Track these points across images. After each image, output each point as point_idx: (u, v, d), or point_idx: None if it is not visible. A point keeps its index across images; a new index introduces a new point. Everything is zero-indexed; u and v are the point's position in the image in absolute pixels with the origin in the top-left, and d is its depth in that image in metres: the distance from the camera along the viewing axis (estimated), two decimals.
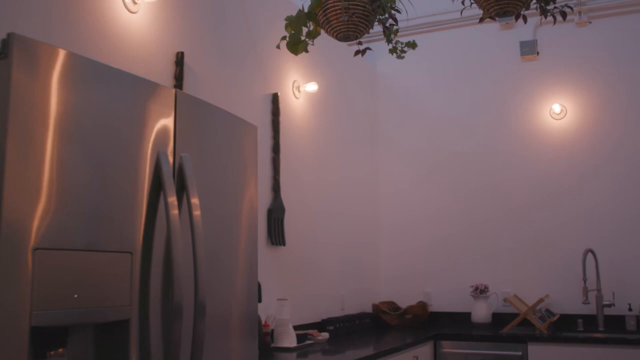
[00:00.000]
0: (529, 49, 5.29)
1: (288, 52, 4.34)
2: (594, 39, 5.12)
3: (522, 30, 5.36)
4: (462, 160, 5.45)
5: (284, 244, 4.04)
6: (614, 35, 5.05)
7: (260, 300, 3.45)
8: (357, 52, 3.46)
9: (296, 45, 3.37)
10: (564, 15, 2.86)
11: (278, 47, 3.41)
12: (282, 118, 4.17)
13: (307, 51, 3.41)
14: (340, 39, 3.30)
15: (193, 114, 2.09)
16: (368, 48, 3.48)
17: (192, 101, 2.09)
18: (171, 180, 1.81)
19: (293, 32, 3.34)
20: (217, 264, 2.14)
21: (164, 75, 3.15)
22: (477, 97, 5.48)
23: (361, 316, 4.93)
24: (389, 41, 3.31)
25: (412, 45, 3.32)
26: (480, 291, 4.98)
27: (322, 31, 3.32)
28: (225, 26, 3.70)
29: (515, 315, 4.88)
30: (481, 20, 3.13)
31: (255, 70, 3.97)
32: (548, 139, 5.17)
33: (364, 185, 5.42)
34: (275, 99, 4.11)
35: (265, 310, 3.71)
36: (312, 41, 3.41)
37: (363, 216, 5.35)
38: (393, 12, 3.21)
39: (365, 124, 5.59)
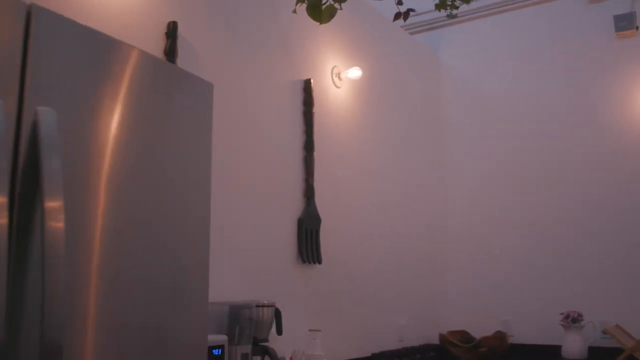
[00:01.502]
0: (625, 23, 4.34)
1: (325, 29, 3.66)
2: None
3: (615, 3, 4.42)
4: (548, 160, 4.53)
5: (319, 261, 3.30)
6: None
7: (280, 332, 2.74)
8: (397, 16, 2.70)
9: (317, 9, 2.67)
10: None
11: (294, 11, 2.70)
12: (316, 109, 3.45)
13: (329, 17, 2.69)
14: None
15: (62, 39, 1.41)
16: (411, 9, 2.70)
17: (62, 22, 1.40)
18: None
19: None
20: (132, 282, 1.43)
21: (148, 49, 2.51)
22: (561, 85, 4.56)
23: (424, 349, 4.10)
24: None
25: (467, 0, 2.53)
26: (572, 320, 4.02)
27: None
28: None
29: (618, 351, 3.89)
30: None
31: (279, 50, 3.28)
32: None
33: (426, 190, 4.59)
34: (307, 86, 3.41)
35: (292, 344, 2.96)
36: (340, 5, 2.70)
37: (426, 228, 4.52)
38: None
39: (427, 119, 4.77)
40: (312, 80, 3.43)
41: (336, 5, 2.71)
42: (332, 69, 3.66)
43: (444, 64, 5.06)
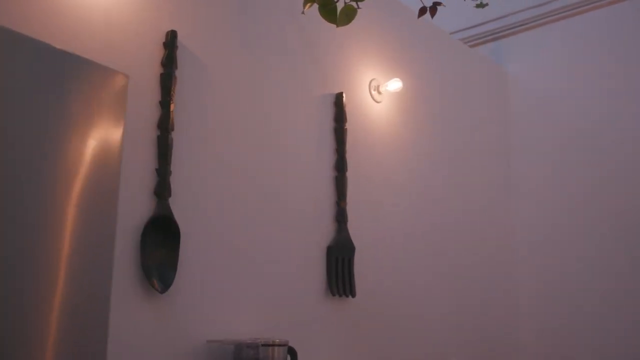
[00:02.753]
0: None
1: (361, 36, 3.34)
2: None
3: None
4: (629, 185, 3.93)
5: (352, 294, 2.93)
6: None
7: None
8: (422, 11, 2.35)
9: (331, 10, 2.37)
10: None
11: (303, 12, 2.41)
12: (351, 126, 3.13)
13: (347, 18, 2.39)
14: None
15: None
16: (438, 3, 2.33)
17: None
18: None
19: None
20: None
21: (144, 61, 2.29)
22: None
23: None
24: None
25: None
26: None
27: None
28: None
29: None
30: None
31: (305, 61, 3.00)
32: None
33: (489, 218, 4.10)
34: (338, 100, 3.10)
35: None
36: (357, 3, 2.39)
37: (488, 255, 4.02)
38: None
39: (491, 137, 4.30)
40: (344, 94, 3.11)
41: (354, 4, 2.41)
42: (371, 81, 3.33)
43: (510, 76, 4.59)
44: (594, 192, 4.02)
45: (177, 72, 2.38)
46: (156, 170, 2.25)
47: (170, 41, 2.38)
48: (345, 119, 3.09)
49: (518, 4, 4.53)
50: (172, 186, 2.28)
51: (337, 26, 2.41)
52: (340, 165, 3.02)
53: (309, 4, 2.36)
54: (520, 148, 4.42)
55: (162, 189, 2.24)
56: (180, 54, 2.41)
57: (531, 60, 4.50)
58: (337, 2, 2.35)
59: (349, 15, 2.42)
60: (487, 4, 2.24)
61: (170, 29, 2.40)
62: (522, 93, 4.50)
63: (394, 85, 3.36)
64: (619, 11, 4.17)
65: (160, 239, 2.22)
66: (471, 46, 4.60)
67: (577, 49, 4.31)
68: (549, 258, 4.13)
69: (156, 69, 2.33)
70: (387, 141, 3.37)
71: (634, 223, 3.82)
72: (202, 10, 2.56)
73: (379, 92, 3.36)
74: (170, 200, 2.26)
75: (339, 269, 2.90)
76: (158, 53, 2.36)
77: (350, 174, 3.06)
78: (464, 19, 4.67)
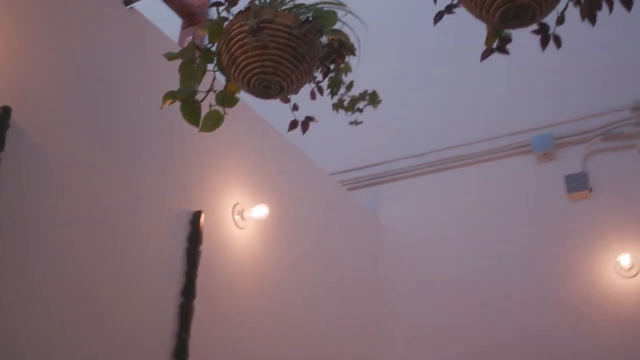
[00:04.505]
0: (577, 184, 3.92)
1: (232, 155, 3.11)
2: None
3: (567, 162, 4.02)
4: (494, 322, 3.82)
5: None
6: None
7: None
8: (292, 125, 2.16)
9: (193, 110, 2.13)
10: None
11: (161, 107, 2.15)
12: (206, 249, 2.79)
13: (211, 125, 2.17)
14: (255, 91, 2.03)
15: None
16: (310, 118, 2.16)
17: None
18: None
19: (186, 84, 2.12)
20: None
21: None
22: (510, 251, 4.00)
23: None
24: (332, 91, 2.02)
25: (373, 99, 2.02)
26: None
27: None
28: (95, 83, 2.51)
29: None
30: (488, 44, 1.83)
31: (166, 167, 2.70)
32: (616, 304, 3.56)
33: (357, 346, 3.78)
34: (196, 219, 2.78)
35: None
36: (225, 109, 2.17)
37: None
38: (337, 42, 1.96)
39: (360, 277, 4.09)
40: (203, 214, 2.81)
41: (221, 109, 2.19)
42: (235, 205, 3.07)
43: (382, 221, 4.52)
44: (459, 326, 3.85)
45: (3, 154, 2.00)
46: None
47: (3, 118, 2.03)
48: (201, 240, 2.76)
49: (397, 153, 4.58)
50: None
51: (200, 130, 2.18)
52: (189, 291, 2.64)
53: (169, 100, 2.12)
54: (389, 290, 4.25)
55: None
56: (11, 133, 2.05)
57: (404, 209, 4.47)
58: (201, 101, 2.13)
59: (214, 120, 2.20)
60: (361, 122, 2.08)
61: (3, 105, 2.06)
62: (393, 236, 4.41)
63: (260, 211, 3.11)
64: (489, 169, 4.29)
65: None
66: (349, 189, 4.53)
67: (449, 200, 4.34)
68: None
69: None
70: (246, 270, 3.05)
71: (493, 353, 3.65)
72: (43, 87, 2.25)
73: (242, 217, 3.09)
74: None
75: None
76: None
77: (198, 302, 2.67)
78: (343, 163, 4.64)
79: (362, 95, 1.99)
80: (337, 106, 2.00)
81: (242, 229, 3.08)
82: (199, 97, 2.11)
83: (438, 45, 4.62)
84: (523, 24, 1.69)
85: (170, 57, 2.06)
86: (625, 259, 3.57)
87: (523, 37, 1.91)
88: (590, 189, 3.87)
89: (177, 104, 2.08)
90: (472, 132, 4.44)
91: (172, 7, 6.03)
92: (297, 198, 3.62)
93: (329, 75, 1.96)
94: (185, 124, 1.90)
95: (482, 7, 1.65)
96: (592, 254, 3.72)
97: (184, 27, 6.32)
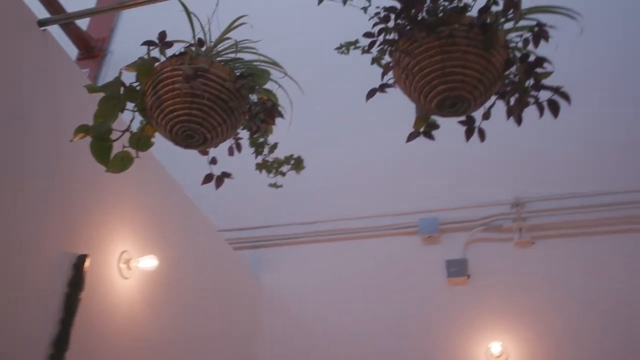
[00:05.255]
0: (457, 269, 4.08)
1: (125, 200, 2.94)
2: (541, 262, 3.97)
3: (449, 247, 4.20)
4: None
5: None
6: (564, 259, 3.93)
7: None
8: (207, 179, 2.09)
9: (104, 149, 2.01)
10: (566, 98, 1.65)
11: (72, 140, 2.01)
12: (87, 297, 2.58)
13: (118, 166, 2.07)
14: (176, 138, 1.97)
15: None
16: (227, 174, 2.09)
17: None
18: None
19: (101, 119, 2.00)
20: None
21: None
22: (384, 329, 4.05)
23: None
24: (257, 151, 1.99)
25: (297, 165, 2.01)
26: None
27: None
28: None
29: None
30: (416, 127, 1.88)
31: (49, 203, 2.49)
32: None
33: None
34: (79, 263, 2.57)
35: None
36: (137, 152, 2.07)
37: None
38: (269, 101, 1.94)
39: (237, 339, 3.95)
40: (89, 259, 2.61)
41: (133, 152, 2.08)
42: (121, 254, 2.88)
43: (264, 284, 4.44)
44: None
45: None
46: None
47: None
48: (83, 286, 2.55)
49: (287, 217, 4.56)
50: None
51: (107, 170, 2.06)
52: (62, 341, 2.41)
53: (81, 134, 2.00)
54: (266, 352, 4.14)
55: None
56: None
57: (286, 273, 4.44)
58: (115, 141, 2.02)
59: (124, 161, 2.09)
60: (281, 186, 2.05)
61: None
62: (273, 300, 4.34)
63: (147, 262, 2.95)
64: (375, 244, 4.37)
65: None
66: (237, 248, 4.43)
67: (332, 271, 4.36)
68: None
69: None
70: (124, 323, 2.84)
71: None
72: None
73: (129, 266, 2.91)
74: None
75: None
76: None
77: (71, 355, 2.44)
78: (234, 221, 4.56)
79: (287, 159, 1.97)
80: (261, 166, 1.96)
81: (127, 278, 2.89)
82: (113, 135, 2.00)
83: (346, 115, 4.73)
84: (457, 113, 1.77)
85: (92, 89, 1.95)
86: (496, 347, 3.72)
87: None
88: (469, 276, 4.04)
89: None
90: (362, 206, 4.53)
91: (70, 36, 5.76)
92: (184, 253, 3.48)
93: (257, 134, 1.93)
94: (81, 160, 1.77)
95: (421, 92, 1.71)
96: (465, 339, 3.85)
97: (79, 59, 6.06)
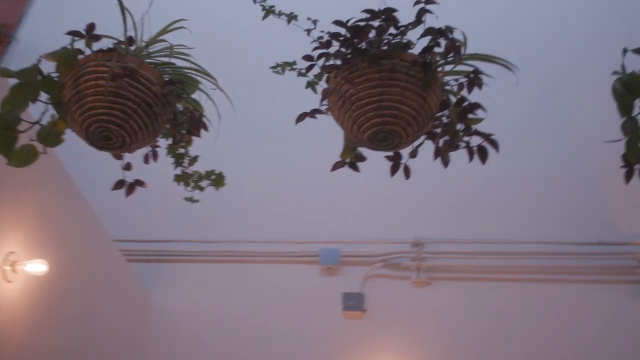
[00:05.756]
0: (353, 303, 4.10)
1: (19, 198, 2.73)
2: (435, 303, 4.06)
3: (347, 280, 4.21)
4: None
5: None
6: (457, 302, 4.04)
7: None
8: (118, 185, 1.97)
9: (8, 138, 1.85)
10: (494, 146, 1.69)
11: None
12: None
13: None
14: (92, 138, 1.84)
15: None
16: (140, 182, 1.99)
17: None
18: None
19: (10, 107, 1.84)
20: None
21: None
22: (281, 358, 3.99)
23: None
24: (177, 162, 1.90)
25: (218, 181, 1.93)
26: None
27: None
28: None
29: None
30: (343, 157, 1.86)
31: None
32: None
33: None
34: None
35: None
36: (44, 148, 1.92)
37: None
38: (195, 112, 1.87)
39: (123, 354, 3.75)
40: None
41: (40, 147, 1.93)
42: (9, 254, 2.67)
43: (155, 297, 4.25)
44: None
45: None
46: None
47: None
48: None
49: (186, 234, 4.42)
50: None
51: (8, 163, 1.90)
52: None
53: None
54: None
55: None
56: None
57: (182, 290, 4.29)
58: (23, 132, 1.87)
59: (29, 155, 1.94)
60: (197, 201, 1.97)
61: None
62: (165, 318, 4.17)
63: (36, 267, 2.74)
64: (273, 270, 4.32)
65: None
66: (131, 260, 4.21)
67: (227, 292, 4.26)
68: None
69: None
70: (4, 329, 2.61)
71: None
72: None
73: (14, 269, 2.69)
74: None
75: None
76: None
77: None
78: (133, 231, 4.35)
79: (208, 174, 1.90)
80: (180, 178, 1.87)
81: (10, 282, 2.67)
82: (21, 127, 1.86)
83: (269, 135, 4.64)
84: (387, 148, 1.78)
85: (6, 73, 1.80)
86: None
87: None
88: (364, 310, 4.07)
89: None
90: (265, 230, 4.46)
91: None
92: (75, 259, 3.27)
93: (180, 144, 1.84)
94: None
95: (355, 122, 1.70)
96: None
97: None
